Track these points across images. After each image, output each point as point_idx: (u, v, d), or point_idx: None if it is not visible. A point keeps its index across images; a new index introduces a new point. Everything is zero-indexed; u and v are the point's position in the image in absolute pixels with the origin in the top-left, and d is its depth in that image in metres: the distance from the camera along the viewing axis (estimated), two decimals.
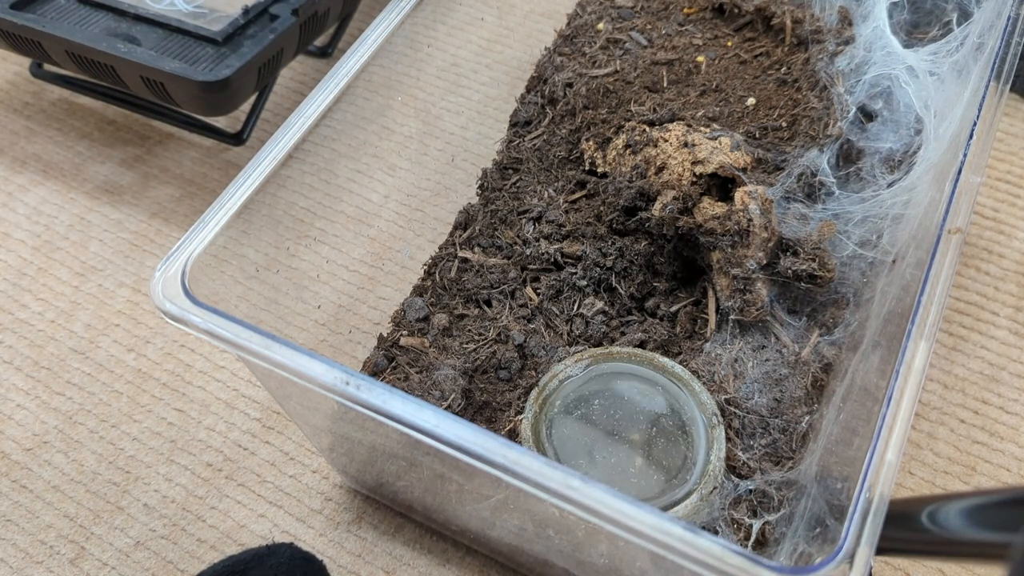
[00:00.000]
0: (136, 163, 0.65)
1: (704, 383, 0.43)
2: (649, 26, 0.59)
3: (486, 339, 0.46)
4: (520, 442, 0.41)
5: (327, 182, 0.49)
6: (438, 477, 0.40)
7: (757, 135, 0.51)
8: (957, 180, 0.37)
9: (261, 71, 0.57)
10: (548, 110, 0.55)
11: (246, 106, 0.63)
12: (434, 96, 0.60)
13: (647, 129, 0.49)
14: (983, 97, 0.40)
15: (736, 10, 0.58)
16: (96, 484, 0.50)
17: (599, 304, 0.47)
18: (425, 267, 0.52)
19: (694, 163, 0.46)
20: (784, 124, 0.51)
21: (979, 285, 0.56)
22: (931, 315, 0.33)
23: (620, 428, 0.42)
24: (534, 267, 0.49)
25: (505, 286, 0.48)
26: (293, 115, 0.41)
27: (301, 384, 0.32)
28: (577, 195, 0.52)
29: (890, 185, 0.46)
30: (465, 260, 0.50)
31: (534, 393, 0.43)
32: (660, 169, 0.47)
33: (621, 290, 0.47)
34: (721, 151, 0.46)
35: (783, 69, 0.54)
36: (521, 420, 0.42)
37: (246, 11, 0.58)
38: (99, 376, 0.54)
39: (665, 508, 0.39)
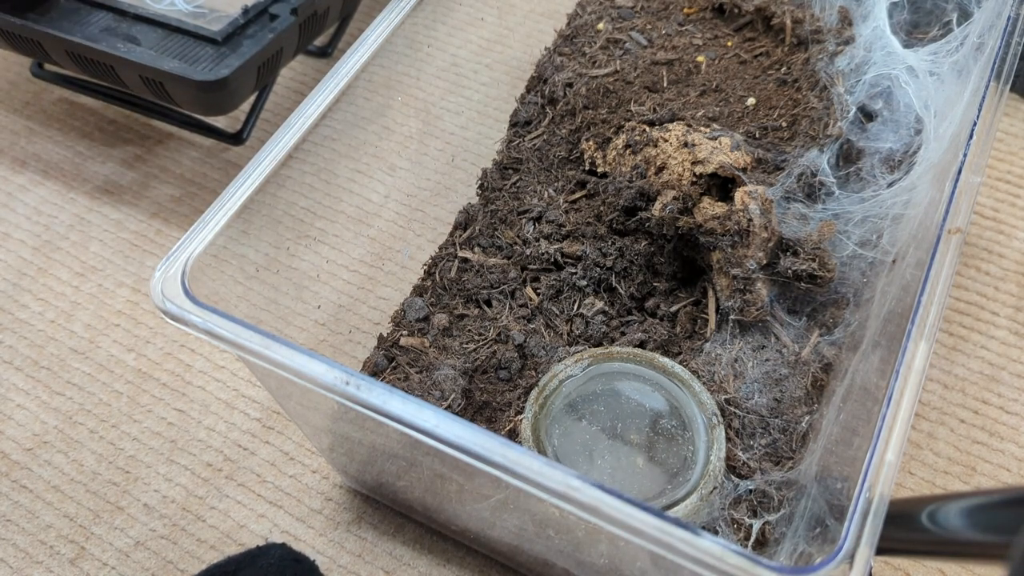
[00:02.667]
0: (136, 163, 0.65)
1: (704, 383, 0.43)
2: (649, 26, 0.58)
3: (486, 339, 0.46)
4: (520, 442, 0.41)
5: (327, 182, 0.49)
6: (438, 477, 0.39)
7: (757, 135, 0.51)
8: (957, 180, 0.37)
9: (260, 71, 0.57)
10: (548, 110, 0.55)
11: (246, 106, 0.63)
12: (434, 96, 0.60)
13: (647, 129, 0.49)
14: (983, 97, 0.40)
15: (736, 10, 0.58)
16: (96, 484, 0.50)
17: (599, 304, 0.47)
18: (425, 267, 0.52)
19: (694, 163, 0.46)
20: (784, 124, 0.51)
21: (979, 285, 0.56)
22: (931, 315, 0.33)
23: (620, 428, 0.41)
24: (534, 267, 0.49)
25: (505, 286, 0.48)
26: (293, 115, 0.41)
27: (301, 384, 0.32)
28: (577, 195, 0.52)
29: (890, 185, 0.46)
30: (465, 260, 0.50)
31: (534, 393, 0.43)
32: (660, 169, 0.47)
33: (621, 290, 0.47)
34: (721, 151, 0.46)
35: (783, 69, 0.54)
36: (521, 420, 0.42)
37: (246, 11, 0.58)
38: (99, 376, 0.54)
39: (665, 508, 0.39)
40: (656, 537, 0.27)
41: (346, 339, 0.50)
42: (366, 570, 0.46)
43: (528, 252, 0.49)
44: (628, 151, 0.49)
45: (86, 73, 0.59)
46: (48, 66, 0.67)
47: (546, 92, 0.56)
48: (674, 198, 0.45)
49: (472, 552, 0.47)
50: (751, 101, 0.53)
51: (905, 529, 0.29)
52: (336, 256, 0.52)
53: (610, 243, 0.48)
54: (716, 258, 0.45)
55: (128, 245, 0.61)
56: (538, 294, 0.48)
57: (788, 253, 0.44)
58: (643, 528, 0.27)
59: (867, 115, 0.50)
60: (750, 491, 0.40)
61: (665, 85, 0.54)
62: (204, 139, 0.67)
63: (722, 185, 0.46)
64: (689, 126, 0.49)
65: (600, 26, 0.59)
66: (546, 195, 0.52)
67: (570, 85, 0.54)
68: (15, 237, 0.61)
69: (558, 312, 0.48)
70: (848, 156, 0.49)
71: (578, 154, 0.53)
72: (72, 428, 0.52)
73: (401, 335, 0.47)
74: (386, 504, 0.48)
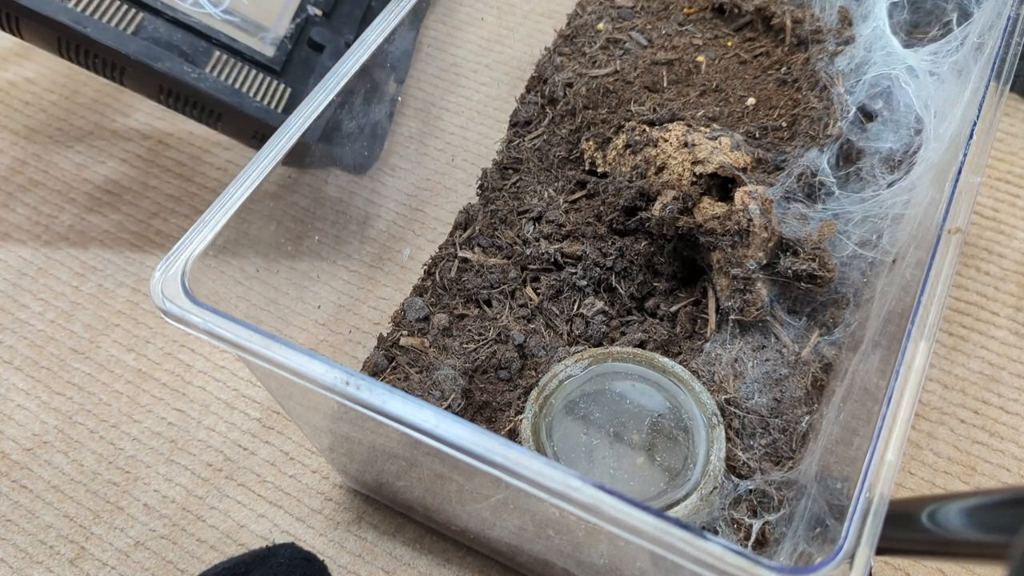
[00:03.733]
0: (136, 163, 0.65)
1: (704, 383, 0.43)
2: (649, 26, 0.59)
3: (486, 339, 0.46)
4: (520, 442, 0.41)
5: (327, 182, 0.49)
6: (438, 477, 0.40)
7: (757, 135, 0.51)
8: (957, 180, 0.37)
9: None
10: (548, 110, 0.55)
11: None
12: (434, 96, 0.61)
13: (647, 129, 0.49)
14: (983, 97, 0.40)
15: (736, 10, 0.58)
16: (96, 484, 0.50)
17: (599, 304, 0.47)
18: (425, 267, 0.52)
19: (694, 163, 0.46)
20: (784, 124, 0.51)
21: (979, 285, 0.56)
22: (931, 315, 0.33)
23: (620, 428, 0.42)
24: (534, 267, 0.49)
25: (505, 286, 0.48)
26: (293, 115, 0.41)
27: (301, 384, 0.32)
28: (577, 195, 0.52)
29: (890, 185, 0.46)
30: (465, 260, 0.50)
31: (534, 393, 0.43)
32: (660, 169, 0.47)
33: (621, 290, 0.47)
34: (721, 151, 0.46)
35: (783, 69, 0.54)
36: (521, 420, 0.42)
37: (290, 35, 0.55)
38: (99, 376, 0.54)
39: (665, 508, 0.39)
40: (656, 537, 0.27)
41: (346, 339, 0.50)
42: (366, 570, 0.46)
43: (528, 252, 0.49)
44: (628, 151, 0.49)
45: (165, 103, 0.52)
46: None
47: (546, 92, 0.56)
48: (674, 198, 0.45)
49: (472, 552, 0.47)
50: (751, 101, 0.53)
51: (905, 529, 0.29)
52: (336, 256, 0.52)
53: (610, 243, 0.48)
54: (716, 258, 0.45)
55: (128, 245, 0.61)
56: (538, 294, 0.48)
57: (788, 253, 0.44)
58: (643, 528, 0.27)
59: (867, 115, 0.50)
60: (750, 491, 0.40)
61: (665, 85, 0.54)
62: (204, 139, 0.67)
63: (722, 185, 0.47)
64: (689, 126, 0.49)
65: (600, 26, 0.59)
66: (546, 195, 0.52)
67: (570, 85, 0.54)
68: (15, 237, 0.61)
69: (558, 312, 0.48)
70: (848, 156, 0.49)
71: (578, 154, 0.53)
72: (72, 428, 0.52)
73: (401, 335, 0.47)
74: (386, 504, 0.48)
